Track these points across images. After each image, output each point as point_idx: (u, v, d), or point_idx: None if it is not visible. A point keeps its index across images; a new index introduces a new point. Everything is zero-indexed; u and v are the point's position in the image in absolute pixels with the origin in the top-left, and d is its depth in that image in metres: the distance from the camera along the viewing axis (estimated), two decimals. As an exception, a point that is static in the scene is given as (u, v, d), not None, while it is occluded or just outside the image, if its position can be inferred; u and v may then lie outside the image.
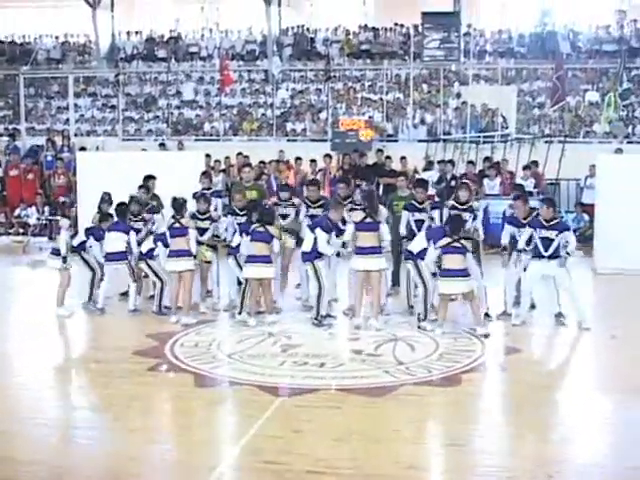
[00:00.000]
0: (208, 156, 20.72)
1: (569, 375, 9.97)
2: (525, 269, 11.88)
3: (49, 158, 24.55)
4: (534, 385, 9.33)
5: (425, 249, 11.62)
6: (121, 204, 13.05)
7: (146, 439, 7.78)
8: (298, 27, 33.15)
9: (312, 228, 11.91)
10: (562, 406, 8.67)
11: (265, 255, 11.76)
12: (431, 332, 11.28)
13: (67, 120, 29.22)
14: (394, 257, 13.28)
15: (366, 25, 32.84)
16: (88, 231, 13.03)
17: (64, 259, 12.52)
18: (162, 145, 25.28)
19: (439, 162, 21.04)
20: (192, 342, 11.02)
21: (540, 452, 7.34)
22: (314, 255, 11.73)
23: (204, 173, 14.78)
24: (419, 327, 11.56)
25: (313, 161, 21.46)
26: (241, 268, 12.10)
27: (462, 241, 11.30)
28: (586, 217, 19.74)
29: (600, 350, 11.09)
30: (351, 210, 12.21)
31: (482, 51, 30.69)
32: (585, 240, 18.59)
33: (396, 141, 25.54)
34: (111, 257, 12.76)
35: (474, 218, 12.35)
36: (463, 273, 11.23)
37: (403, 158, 21.47)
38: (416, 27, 30.15)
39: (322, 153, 21.97)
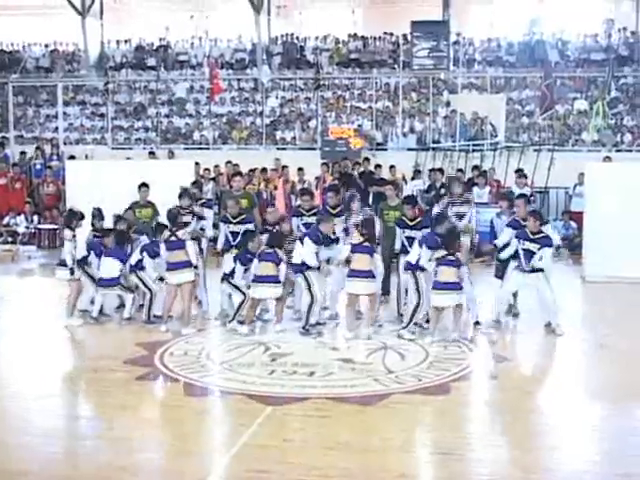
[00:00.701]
0: (197, 164, 20.72)
1: (558, 383, 9.97)
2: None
3: (38, 167, 24.49)
4: (523, 393, 9.35)
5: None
6: (121, 232, 13.05)
7: (136, 448, 7.76)
8: (287, 36, 33.18)
9: (301, 239, 11.97)
10: (552, 414, 8.67)
11: (273, 275, 11.78)
12: (409, 340, 11.33)
13: (56, 128, 29.17)
14: (384, 266, 13.21)
15: (355, 34, 32.87)
16: (89, 246, 12.93)
17: (71, 270, 12.43)
18: (152, 154, 25.26)
19: (429, 170, 21.08)
20: (181, 351, 11.00)
21: (530, 460, 7.35)
22: (305, 266, 11.78)
23: (194, 182, 14.78)
24: (398, 335, 11.58)
25: (301, 169, 21.47)
26: (239, 290, 12.14)
27: (457, 254, 11.33)
28: (574, 225, 19.80)
29: (589, 358, 11.11)
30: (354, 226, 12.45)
31: (471, 60, 30.75)
32: (574, 248, 18.66)
33: (385, 149, 25.59)
34: (104, 283, 12.71)
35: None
36: (456, 286, 11.25)
37: (392, 167, 21.49)
38: (405, 36, 30.23)
39: (311, 162, 22.01)
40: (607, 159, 21.56)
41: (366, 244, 11.66)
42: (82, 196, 17.68)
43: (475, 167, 21.51)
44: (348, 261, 11.81)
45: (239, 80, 31.55)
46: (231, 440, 7.87)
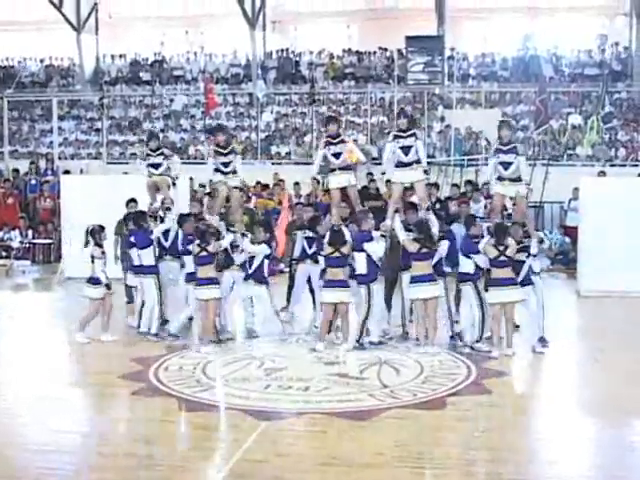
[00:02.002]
0: (192, 179, 20.71)
1: (553, 398, 9.94)
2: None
3: (33, 181, 24.47)
4: (518, 408, 9.35)
5: (479, 268, 11.70)
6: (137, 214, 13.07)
7: (130, 464, 7.71)
8: (282, 51, 33.29)
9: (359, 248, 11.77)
10: (547, 428, 8.66)
11: (342, 280, 11.78)
12: (487, 352, 11.39)
13: (51, 143, 29.17)
14: (388, 282, 12.94)
15: (350, 49, 33.02)
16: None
17: (107, 286, 12.32)
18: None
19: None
20: (176, 366, 10.97)
21: (526, 474, 7.34)
22: (370, 277, 11.68)
23: (194, 199, 14.80)
24: (472, 348, 11.56)
25: (297, 184, 21.47)
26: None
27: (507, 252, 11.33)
28: (568, 240, 19.82)
29: (584, 373, 11.10)
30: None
31: (466, 75, 30.88)
32: (568, 262, 18.69)
33: (380, 164, 25.55)
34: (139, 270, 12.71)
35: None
36: (514, 282, 11.35)
37: (389, 182, 21.43)
38: (400, 51, 30.33)
39: (306, 177, 21.97)
40: (602, 174, 21.61)
41: (337, 254, 11.73)
42: (77, 211, 17.77)
43: (468, 182, 21.50)
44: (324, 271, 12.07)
45: (234, 95, 31.65)
46: (226, 455, 7.84)
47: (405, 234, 11.61)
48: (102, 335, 12.37)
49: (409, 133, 11.99)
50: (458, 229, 12.97)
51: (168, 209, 13.07)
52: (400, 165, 12.08)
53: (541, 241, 12.47)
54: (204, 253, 11.89)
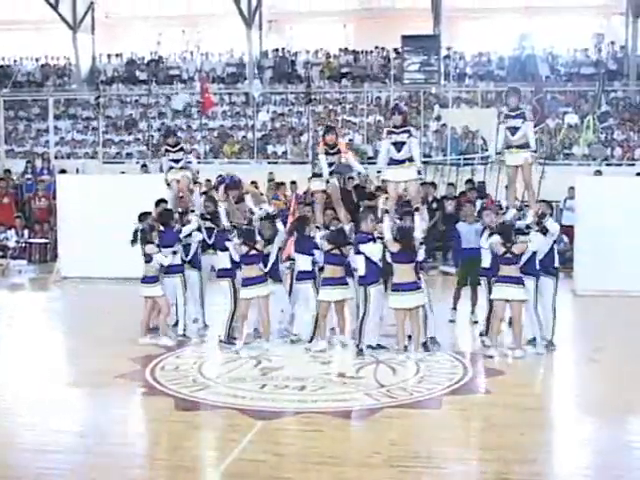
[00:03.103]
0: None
1: (550, 397, 9.97)
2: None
3: (29, 181, 24.44)
4: (516, 407, 9.33)
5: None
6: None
7: (127, 464, 7.72)
8: (279, 50, 33.29)
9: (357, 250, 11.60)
10: (543, 428, 8.66)
11: (340, 277, 11.78)
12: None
13: (47, 142, 29.13)
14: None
15: (346, 48, 33.02)
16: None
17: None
18: (144, 166, 25.21)
19: (421, 184, 21.05)
20: (173, 365, 10.97)
21: (522, 474, 7.34)
22: (368, 280, 11.44)
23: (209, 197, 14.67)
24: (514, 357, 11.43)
25: (293, 183, 21.45)
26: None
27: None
28: (565, 239, 19.81)
29: (581, 372, 11.12)
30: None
31: (462, 74, 30.89)
32: (564, 262, 18.66)
33: (376, 164, 25.54)
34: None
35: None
36: (519, 280, 11.33)
37: (384, 181, 21.42)
38: (396, 50, 30.35)
39: (303, 176, 21.94)
40: (598, 173, 21.62)
41: (336, 251, 11.74)
42: (73, 210, 17.77)
43: (469, 181, 21.52)
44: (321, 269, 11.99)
45: (230, 94, 31.61)
46: (222, 455, 7.84)
47: (390, 234, 11.25)
48: (162, 338, 12.14)
49: (403, 129, 11.79)
50: (464, 228, 13.23)
51: (191, 211, 13.02)
52: (392, 162, 11.93)
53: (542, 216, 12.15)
54: (253, 252, 11.75)
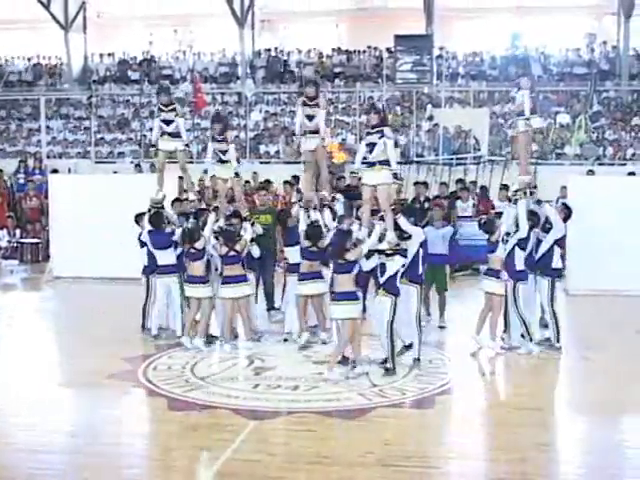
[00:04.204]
0: (181, 178, 20.66)
1: (542, 397, 9.97)
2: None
3: (21, 181, 24.39)
4: (507, 407, 9.36)
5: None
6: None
7: (119, 464, 7.71)
8: (271, 50, 33.26)
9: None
10: (536, 428, 8.66)
11: (317, 271, 11.75)
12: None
13: (39, 142, 29.07)
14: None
15: (339, 48, 33.00)
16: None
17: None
18: (137, 166, 25.17)
19: (414, 184, 21.14)
20: (165, 365, 10.95)
21: (515, 474, 7.35)
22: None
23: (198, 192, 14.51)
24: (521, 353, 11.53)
25: (287, 182, 21.40)
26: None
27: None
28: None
29: (573, 371, 11.13)
30: None
31: (454, 74, 30.91)
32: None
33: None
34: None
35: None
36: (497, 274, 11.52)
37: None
38: (389, 50, 30.34)
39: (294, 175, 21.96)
40: (590, 172, 21.66)
41: (314, 249, 11.64)
42: (65, 210, 17.74)
43: (459, 180, 21.55)
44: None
45: (223, 94, 31.57)
46: (215, 455, 7.82)
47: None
48: (197, 340, 11.78)
49: (377, 130, 11.08)
50: (431, 233, 12.64)
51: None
52: (365, 164, 11.17)
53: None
54: (232, 253, 11.64)
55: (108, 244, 16.40)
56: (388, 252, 10.45)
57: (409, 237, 10.65)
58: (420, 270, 10.94)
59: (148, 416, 9.31)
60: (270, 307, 13.73)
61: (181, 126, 12.93)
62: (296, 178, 20.32)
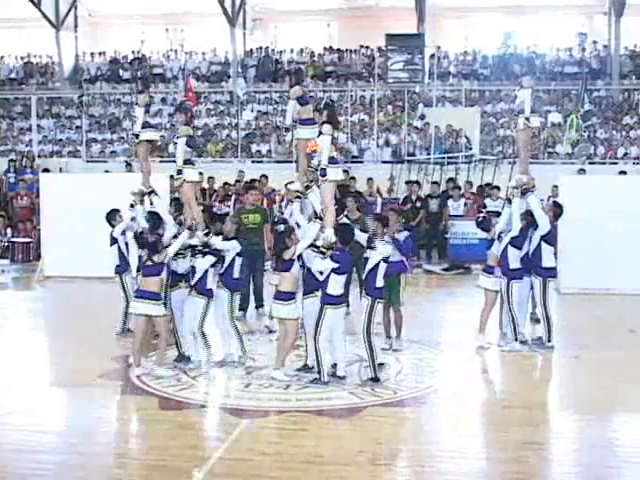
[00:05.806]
0: (172, 178, 20.63)
1: (534, 395, 9.97)
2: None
3: (12, 180, 24.33)
4: (499, 405, 9.36)
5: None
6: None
7: (111, 463, 7.70)
8: (263, 49, 33.24)
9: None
10: (528, 426, 8.65)
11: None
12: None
13: (30, 141, 29.02)
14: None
15: (331, 47, 33.03)
16: None
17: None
18: (128, 165, 25.13)
19: (406, 183, 21.21)
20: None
21: (506, 472, 7.35)
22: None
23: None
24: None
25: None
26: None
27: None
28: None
29: (565, 370, 11.14)
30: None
31: (446, 73, 30.96)
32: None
33: (361, 162, 25.62)
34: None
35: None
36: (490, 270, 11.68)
37: (370, 179, 21.52)
38: (380, 49, 30.37)
39: (287, 175, 21.93)
40: (581, 171, 21.71)
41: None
42: (56, 209, 17.70)
43: (450, 179, 21.59)
44: None
45: (214, 93, 31.55)
46: (207, 454, 7.82)
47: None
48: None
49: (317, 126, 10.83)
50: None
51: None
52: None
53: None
54: (150, 262, 10.36)
55: (99, 243, 16.33)
56: (322, 250, 10.00)
57: (374, 247, 10.11)
58: (378, 283, 10.06)
59: (140, 415, 9.28)
60: (259, 305, 13.74)
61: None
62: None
